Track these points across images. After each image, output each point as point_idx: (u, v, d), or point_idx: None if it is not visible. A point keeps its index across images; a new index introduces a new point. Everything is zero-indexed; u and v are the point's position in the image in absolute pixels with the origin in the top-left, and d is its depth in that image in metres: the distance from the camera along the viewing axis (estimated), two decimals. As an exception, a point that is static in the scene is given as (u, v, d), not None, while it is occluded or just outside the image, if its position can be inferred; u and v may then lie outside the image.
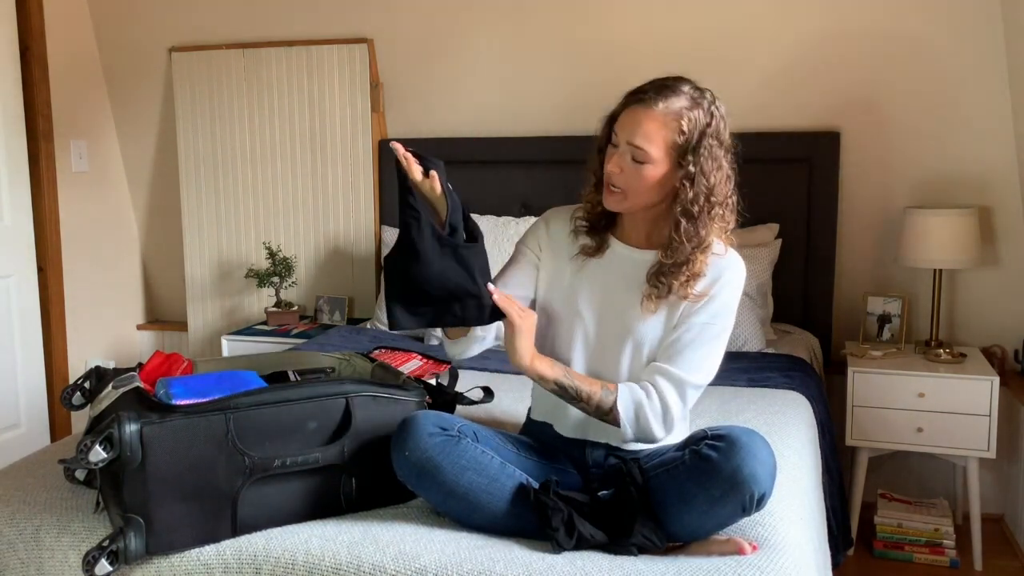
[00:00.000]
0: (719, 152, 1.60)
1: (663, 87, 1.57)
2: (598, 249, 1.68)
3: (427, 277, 1.52)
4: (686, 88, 1.59)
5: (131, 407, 1.47)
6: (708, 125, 1.58)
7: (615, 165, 1.58)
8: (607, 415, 1.58)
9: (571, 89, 3.26)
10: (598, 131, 1.66)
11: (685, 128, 1.56)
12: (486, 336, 1.70)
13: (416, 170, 1.54)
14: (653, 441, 1.61)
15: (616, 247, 1.68)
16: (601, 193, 1.65)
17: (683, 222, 1.58)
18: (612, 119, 1.62)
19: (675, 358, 1.61)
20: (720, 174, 1.60)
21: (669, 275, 1.60)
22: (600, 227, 1.69)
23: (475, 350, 1.71)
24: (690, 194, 1.57)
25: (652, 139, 1.55)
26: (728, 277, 1.64)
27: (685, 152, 1.56)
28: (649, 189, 1.58)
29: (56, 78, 3.48)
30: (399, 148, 1.55)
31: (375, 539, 1.47)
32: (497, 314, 1.58)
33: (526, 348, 1.57)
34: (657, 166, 1.56)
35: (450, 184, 1.56)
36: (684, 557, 1.43)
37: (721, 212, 1.62)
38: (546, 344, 1.72)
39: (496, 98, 3.38)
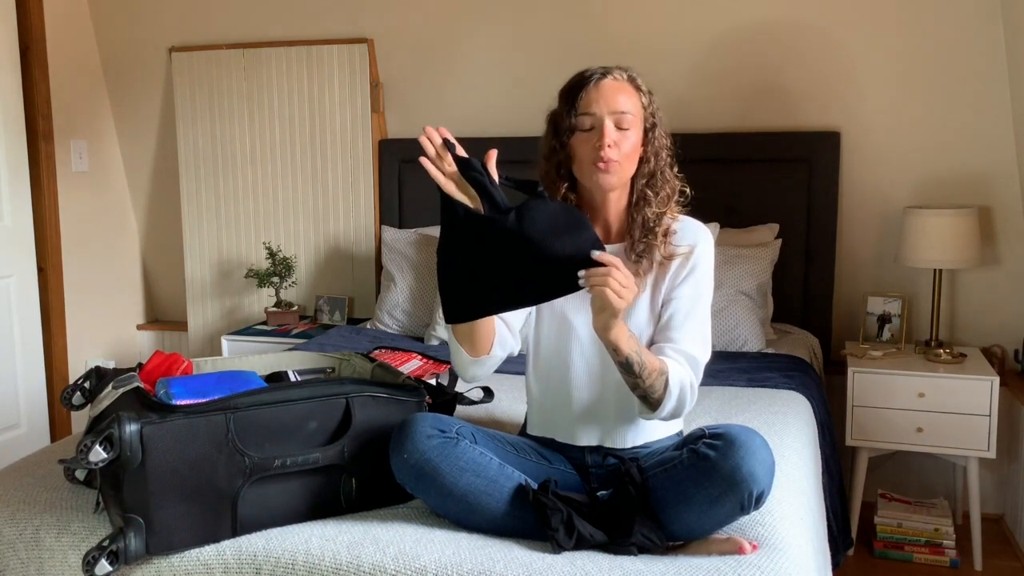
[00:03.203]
0: (661, 116, 1.69)
1: (606, 68, 1.65)
2: None
3: (465, 262, 1.45)
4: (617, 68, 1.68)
5: (131, 407, 1.47)
6: (651, 93, 1.68)
7: (608, 138, 1.59)
8: (652, 395, 1.54)
9: (571, 89, 3.25)
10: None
11: (644, 89, 1.66)
12: (505, 353, 1.66)
13: (440, 161, 1.47)
14: (668, 420, 1.62)
15: None
16: (575, 190, 1.68)
17: (648, 181, 1.66)
18: (569, 108, 1.62)
19: (677, 336, 1.62)
20: (664, 140, 1.69)
21: (647, 239, 1.64)
22: None
23: (494, 368, 1.66)
24: (652, 161, 1.66)
25: (630, 101, 1.62)
26: (704, 246, 1.68)
27: (649, 115, 1.65)
28: (633, 155, 1.64)
29: (56, 78, 3.48)
30: (433, 138, 1.46)
31: (375, 539, 1.47)
32: (564, 287, 1.44)
33: (613, 320, 1.47)
34: (636, 129, 1.63)
35: (480, 180, 1.46)
36: (684, 556, 1.43)
37: (672, 174, 1.69)
38: (540, 356, 1.72)
39: (496, 98, 3.38)
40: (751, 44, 3.10)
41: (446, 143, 1.47)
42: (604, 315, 1.45)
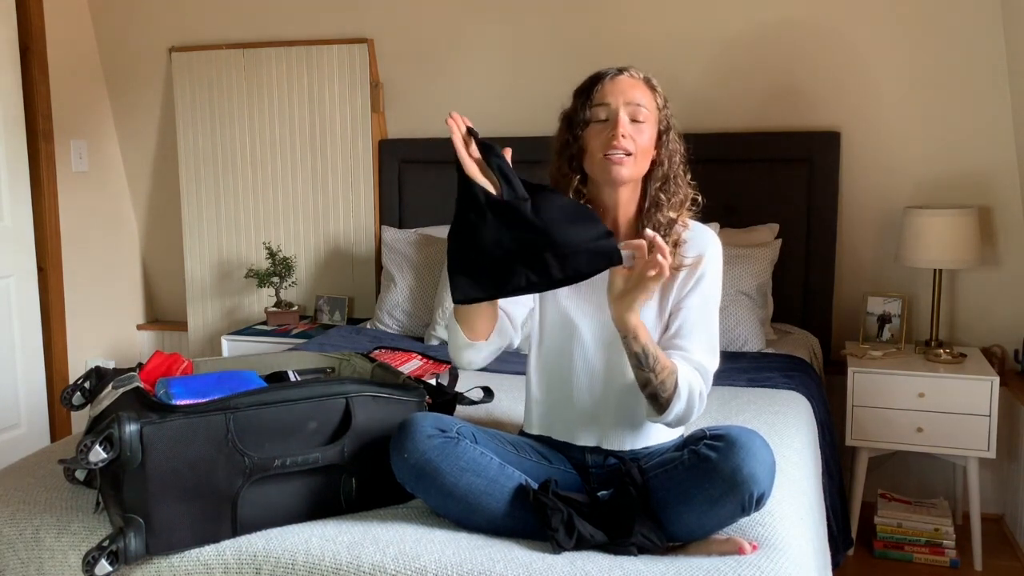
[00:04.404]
0: (675, 121, 1.69)
1: (622, 67, 1.66)
2: None
3: (483, 243, 1.46)
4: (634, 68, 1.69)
5: (131, 407, 1.47)
6: (665, 98, 1.68)
7: (623, 128, 1.58)
8: (663, 394, 1.53)
9: (571, 89, 3.25)
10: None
11: (659, 90, 1.66)
12: (504, 343, 1.66)
13: (465, 147, 1.50)
14: (675, 426, 1.62)
15: None
16: (586, 185, 1.67)
17: (661, 185, 1.65)
18: (584, 101, 1.63)
19: (686, 345, 1.61)
20: (678, 144, 1.68)
21: None
22: None
23: (489, 358, 1.66)
24: (666, 163, 1.65)
25: (645, 97, 1.62)
26: (712, 252, 1.67)
27: (663, 118, 1.65)
28: (647, 151, 1.63)
29: (56, 78, 3.48)
30: (459, 124, 1.50)
31: (375, 539, 1.47)
32: (598, 264, 1.46)
33: (637, 308, 1.49)
34: (651, 125, 1.62)
35: (503, 167, 1.50)
36: (684, 557, 1.43)
37: (685, 181, 1.69)
38: (541, 354, 1.72)
39: (496, 98, 3.38)
40: (750, 45, 3.10)
41: (469, 131, 1.50)
42: (631, 296, 1.47)
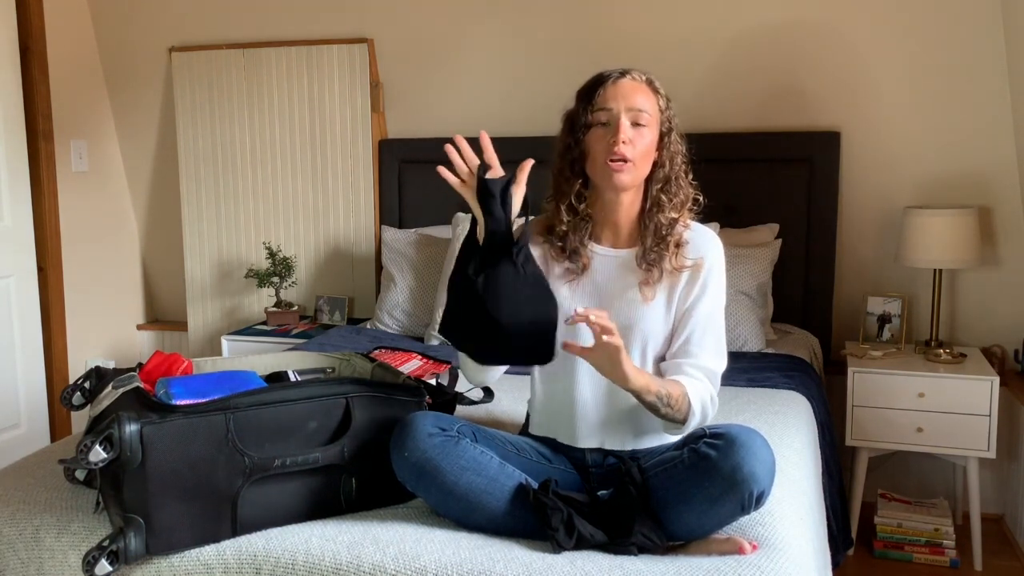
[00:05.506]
0: (677, 122, 1.70)
1: (625, 69, 1.66)
2: (584, 266, 1.68)
3: (474, 304, 1.50)
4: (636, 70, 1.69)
5: (131, 407, 1.47)
6: (668, 98, 1.68)
7: (623, 134, 1.58)
8: (678, 417, 1.57)
9: (571, 89, 3.24)
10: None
11: (662, 92, 1.66)
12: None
13: (458, 175, 1.56)
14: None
15: (598, 251, 1.69)
16: (588, 188, 1.67)
17: (662, 186, 1.65)
18: (586, 104, 1.63)
19: (696, 351, 1.64)
20: (680, 145, 1.68)
21: (659, 248, 1.64)
22: (583, 232, 1.68)
23: (499, 375, 1.68)
24: (667, 165, 1.65)
25: (648, 101, 1.62)
26: (715, 257, 1.68)
27: (665, 119, 1.65)
28: (648, 156, 1.63)
29: (56, 78, 3.48)
30: (462, 149, 1.57)
31: (375, 539, 1.47)
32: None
33: (628, 369, 1.50)
34: (652, 129, 1.63)
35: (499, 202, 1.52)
36: (684, 556, 1.43)
37: (687, 181, 1.69)
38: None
39: (496, 98, 3.38)
40: (750, 46, 3.10)
41: (482, 166, 1.55)
42: (617, 370, 1.49)
